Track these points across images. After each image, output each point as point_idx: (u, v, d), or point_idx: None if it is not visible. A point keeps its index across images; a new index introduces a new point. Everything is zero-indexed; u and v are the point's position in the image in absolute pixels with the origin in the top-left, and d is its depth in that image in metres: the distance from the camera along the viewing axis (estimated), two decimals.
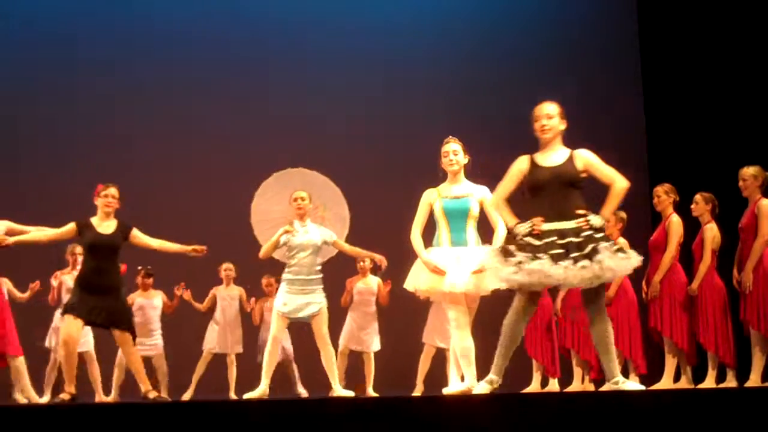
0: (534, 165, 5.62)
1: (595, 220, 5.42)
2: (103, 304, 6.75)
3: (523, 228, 5.47)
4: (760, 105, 9.81)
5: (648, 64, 11.25)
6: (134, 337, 6.96)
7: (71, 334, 6.72)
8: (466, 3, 11.88)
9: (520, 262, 5.35)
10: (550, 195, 5.49)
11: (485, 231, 6.27)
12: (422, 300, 8.65)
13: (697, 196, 7.68)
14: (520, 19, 11.75)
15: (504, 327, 5.58)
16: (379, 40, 11.61)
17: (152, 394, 6.93)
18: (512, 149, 10.79)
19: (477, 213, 6.21)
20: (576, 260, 5.29)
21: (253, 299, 9.72)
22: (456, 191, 6.25)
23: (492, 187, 6.29)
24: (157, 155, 10.77)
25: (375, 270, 9.06)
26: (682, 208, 7.83)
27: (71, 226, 6.92)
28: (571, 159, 5.57)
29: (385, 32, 11.65)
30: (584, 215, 5.42)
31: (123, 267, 7.17)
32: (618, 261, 5.37)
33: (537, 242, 5.38)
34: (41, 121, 10.97)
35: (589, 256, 5.30)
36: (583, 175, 5.56)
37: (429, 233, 6.29)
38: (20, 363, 7.92)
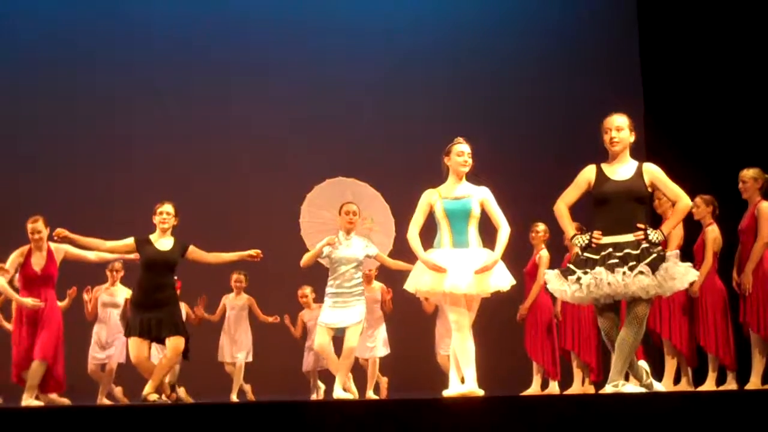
0: (601, 176, 5.61)
1: (654, 235, 5.47)
2: (157, 318, 6.90)
3: (581, 240, 5.52)
4: (760, 107, 9.81)
5: (648, 66, 11.25)
6: (187, 347, 7.07)
7: (139, 356, 6.97)
8: (467, 4, 11.89)
9: (579, 279, 5.42)
10: (616, 208, 5.51)
11: (487, 232, 6.28)
12: (425, 305, 8.73)
13: (698, 200, 7.68)
14: (520, 21, 11.76)
15: (616, 344, 5.55)
16: (380, 40, 11.62)
17: (153, 397, 6.95)
18: (513, 150, 10.87)
19: (478, 214, 6.20)
20: (632, 269, 5.34)
21: (287, 319, 9.67)
22: (457, 192, 6.23)
23: (492, 189, 6.31)
24: (164, 163, 10.79)
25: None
26: None
27: (129, 241, 7.09)
28: (639, 173, 5.59)
29: (386, 33, 11.66)
30: (644, 229, 5.46)
31: (178, 283, 7.26)
32: (681, 272, 5.44)
33: (595, 256, 5.44)
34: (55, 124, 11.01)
35: (652, 266, 5.36)
36: (650, 189, 5.61)
37: (428, 235, 6.29)
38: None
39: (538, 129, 11.10)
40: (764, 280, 7.15)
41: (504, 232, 6.19)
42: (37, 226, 7.48)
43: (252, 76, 11.37)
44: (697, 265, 7.63)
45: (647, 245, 5.43)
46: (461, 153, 6.22)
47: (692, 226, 7.76)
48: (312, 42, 11.53)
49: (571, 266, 5.53)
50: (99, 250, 7.17)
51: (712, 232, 7.57)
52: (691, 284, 7.48)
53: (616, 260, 5.37)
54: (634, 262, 5.36)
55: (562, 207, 5.71)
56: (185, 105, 11.24)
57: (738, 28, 10.14)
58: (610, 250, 5.42)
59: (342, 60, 11.49)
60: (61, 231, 6.97)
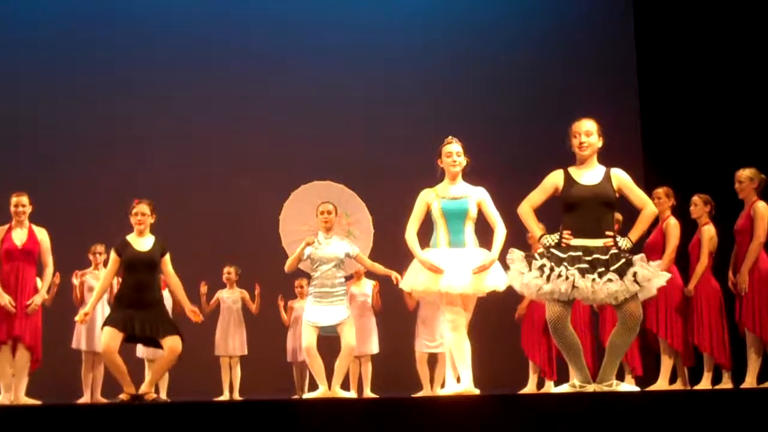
0: (570, 180, 5.63)
1: (623, 242, 5.50)
2: (144, 317, 6.76)
3: (550, 239, 5.53)
4: (756, 107, 9.82)
5: (644, 66, 11.27)
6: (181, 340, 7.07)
7: (109, 345, 6.72)
8: (463, 4, 11.89)
9: (543, 266, 5.42)
10: (585, 213, 5.53)
11: (483, 233, 6.29)
12: (407, 301, 8.77)
13: (695, 198, 7.70)
14: (517, 21, 11.75)
15: (558, 344, 5.63)
16: (376, 39, 11.62)
17: (151, 396, 6.94)
18: (510, 150, 10.87)
19: (475, 214, 6.22)
20: (602, 275, 5.36)
21: (281, 300, 9.82)
22: (454, 192, 6.25)
23: (489, 189, 6.33)
24: (162, 158, 10.77)
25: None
26: (677, 210, 7.86)
27: (114, 257, 6.96)
28: (608, 178, 5.62)
29: (382, 31, 11.66)
30: (613, 236, 5.49)
31: (164, 282, 7.23)
32: (653, 271, 5.46)
33: (562, 255, 5.45)
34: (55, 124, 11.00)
35: (620, 272, 5.38)
36: (617, 195, 5.64)
37: (425, 234, 6.30)
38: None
39: (534, 130, 11.09)
40: (760, 280, 7.17)
41: (500, 232, 6.21)
42: (21, 199, 7.60)
43: (248, 77, 11.36)
44: (692, 265, 7.67)
45: (616, 251, 5.46)
46: (449, 153, 6.25)
47: (688, 226, 7.78)
48: (309, 40, 11.52)
49: (537, 256, 5.53)
50: (106, 288, 7.17)
51: (708, 232, 7.58)
52: (684, 284, 7.62)
53: (586, 265, 5.39)
54: (603, 269, 5.38)
55: (527, 207, 5.72)
56: (182, 106, 11.22)
57: (734, 27, 10.16)
58: (580, 253, 5.44)
59: (338, 59, 11.48)
60: (80, 318, 6.97)
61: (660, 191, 7.80)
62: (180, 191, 10.12)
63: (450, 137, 6.32)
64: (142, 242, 6.97)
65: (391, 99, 11.44)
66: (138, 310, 6.77)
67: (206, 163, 11.11)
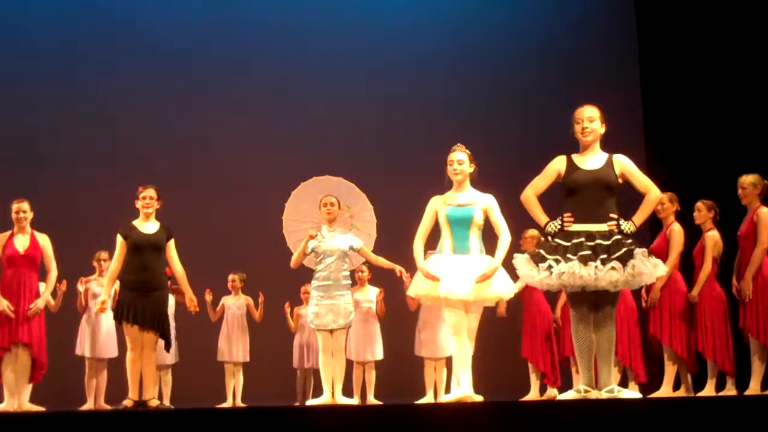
0: (572, 166, 5.67)
1: (626, 225, 5.52)
2: (145, 305, 6.86)
3: (553, 226, 5.57)
4: (759, 113, 9.82)
5: (647, 71, 11.27)
6: (168, 346, 7.18)
7: (134, 340, 6.88)
8: (466, 7, 11.90)
9: (551, 266, 5.45)
10: (587, 198, 5.57)
11: (490, 239, 6.29)
12: (409, 301, 8.77)
13: (699, 204, 7.68)
14: (519, 26, 11.76)
15: (574, 340, 5.67)
16: (379, 44, 11.62)
17: (154, 402, 6.95)
18: (511, 155, 10.88)
19: (481, 221, 6.23)
20: (604, 262, 5.39)
21: (287, 307, 9.81)
22: (461, 199, 6.26)
23: (497, 194, 6.34)
24: (166, 165, 10.77)
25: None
26: (681, 216, 7.85)
27: (121, 241, 7.05)
28: (610, 164, 5.65)
29: (387, 36, 11.67)
30: (616, 219, 5.51)
31: (168, 269, 7.28)
32: (650, 268, 5.50)
33: (566, 243, 5.48)
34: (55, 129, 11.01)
35: (622, 260, 5.42)
36: (620, 180, 5.65)
37: (436, 239, 6.33)
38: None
39: (537, 134, 11.08)
40: (764, 286, 7.16)
41: (504, 239, 6.21)
42: (22, 206, 7.67)
43: (252, 82, 11.37)
44: (696, 271, 7.66)
45: (619, 237, 5.48)
46: (451, 162, 6.28)
47: (693, 231, 7.77)
48: (314, 45, 11.53)
49: (542, 252, 5.57)
50: (118, 274, 7.13)
51: (712, 238, 7.57)
52: (689, 290, 7.61)
53: (588, 252, 5.42)
54: (605, 255, 5.41)
55: (530, 195, 5.76)
56: (185, 112, 11.23)
57: (737, 33, 10.15)
58: (582, 239, 5.47)
59: (340, 62, 11.49)
60: (99, 308, 7.13)
61: (664, 197, 7.77)
62: (184, 198, 10.09)
63: (457, 145, 6.33)
64: (148, 226, 7.11)
65: (398, 105, 11.43)
66: (142, 296, 6.88)
67: (210, 169, 11.11)
